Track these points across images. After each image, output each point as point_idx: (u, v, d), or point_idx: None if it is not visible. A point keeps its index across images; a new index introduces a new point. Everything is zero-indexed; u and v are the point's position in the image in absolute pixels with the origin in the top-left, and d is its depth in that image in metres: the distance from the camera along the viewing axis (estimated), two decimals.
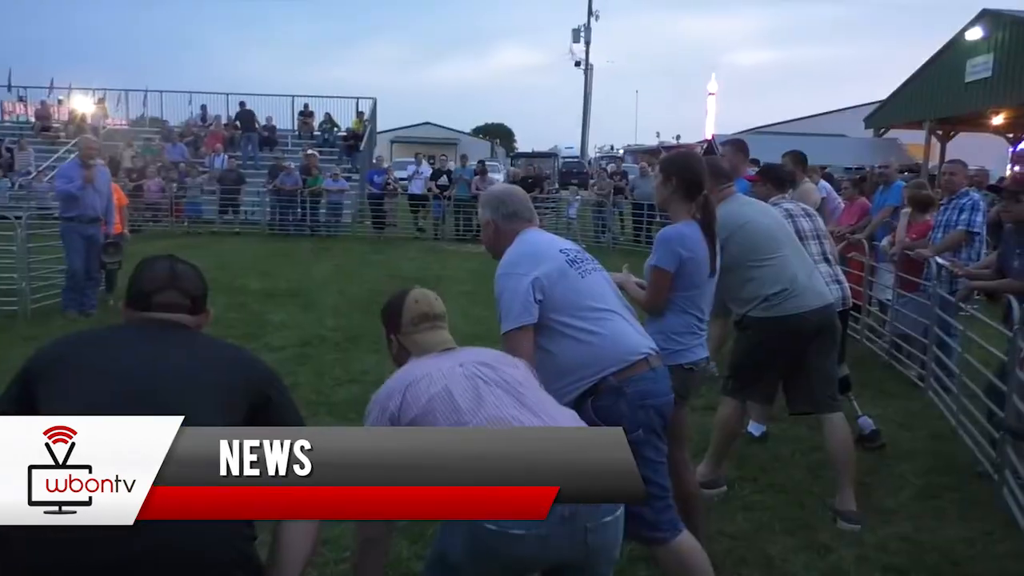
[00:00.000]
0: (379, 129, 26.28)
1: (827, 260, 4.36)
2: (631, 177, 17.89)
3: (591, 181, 20.01)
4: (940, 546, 3.43)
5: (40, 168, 18.66)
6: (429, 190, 17.28)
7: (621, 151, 50.18)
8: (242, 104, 21.39)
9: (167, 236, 15.97)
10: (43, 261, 8.18)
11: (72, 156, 8.35)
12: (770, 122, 44.31)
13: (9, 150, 19.35)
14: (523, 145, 60.08)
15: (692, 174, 3.08)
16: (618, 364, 2.54)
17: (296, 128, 22.81)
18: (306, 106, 22.83)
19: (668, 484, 2.66)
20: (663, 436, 2.64)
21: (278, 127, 22.32)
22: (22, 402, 1.85)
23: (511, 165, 29.52)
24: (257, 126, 21.10)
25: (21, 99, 24.08)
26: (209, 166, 18.75)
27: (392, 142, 47.20)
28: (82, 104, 23.47)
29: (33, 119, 22.73)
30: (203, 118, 22.37)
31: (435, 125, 55.86)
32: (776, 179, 4.56)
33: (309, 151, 18.72)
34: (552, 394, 2.31)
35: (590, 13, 36.83)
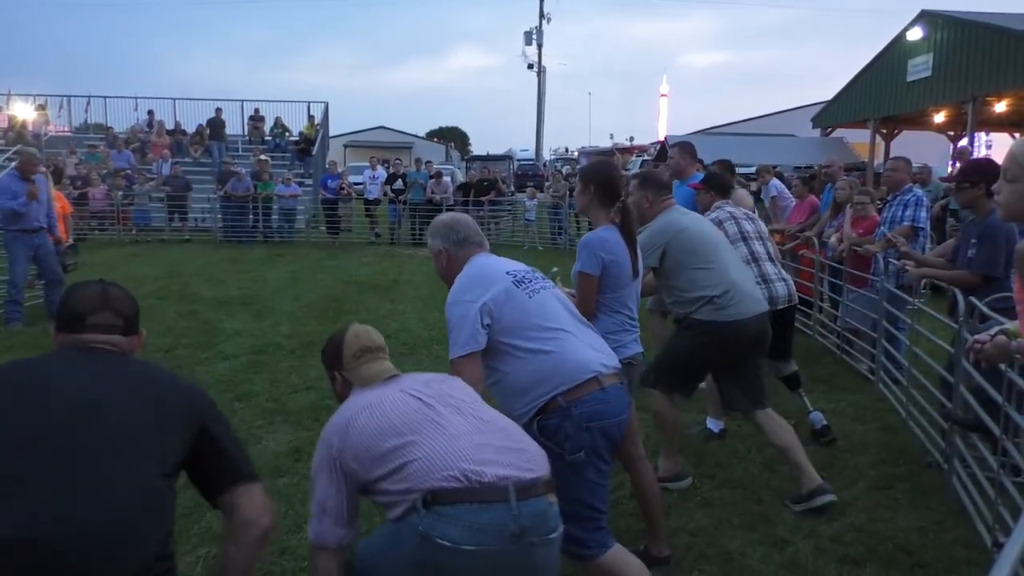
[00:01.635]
0: (332, 133, 25.98)
1: (771, 260, 4.56)
2: None
3: (547, 183, 20.06)
4: (894, 536, 3.51)
5: None
6: (385, 194, 17.16)
7: (576, 153, 50.50)
8: (218, 111, 21.04)
9: (114, 244, 15.60)
10: None
11: (9, 167, 8.14)
12: (722, 123, 45.06)
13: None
14: (478, 148, 60.02)
15: (609, 182, 3.23)
16: (567, 384, 2.55)
17: (246, 133, 22.49)
18: (256, 111, 22.52)
19: (604, 506, 2.66)
20: (608, 458, 2.65)
21: (228, 132, 21.98)
22: None
23: (466, 168, 29.48)
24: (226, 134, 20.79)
25: None
26: (157, 172, 18.37)
27: (345, 146, 46.81)
28: (22, 111, 22.81)
29: None
30: (149, 124, 21.91)
31: (389, 129, 55.58)
32: (719, 186, 4.82)
33: (261, 156, 18.47)
34: (513, 419, 2.37)
35: (542, 16, 36.97)
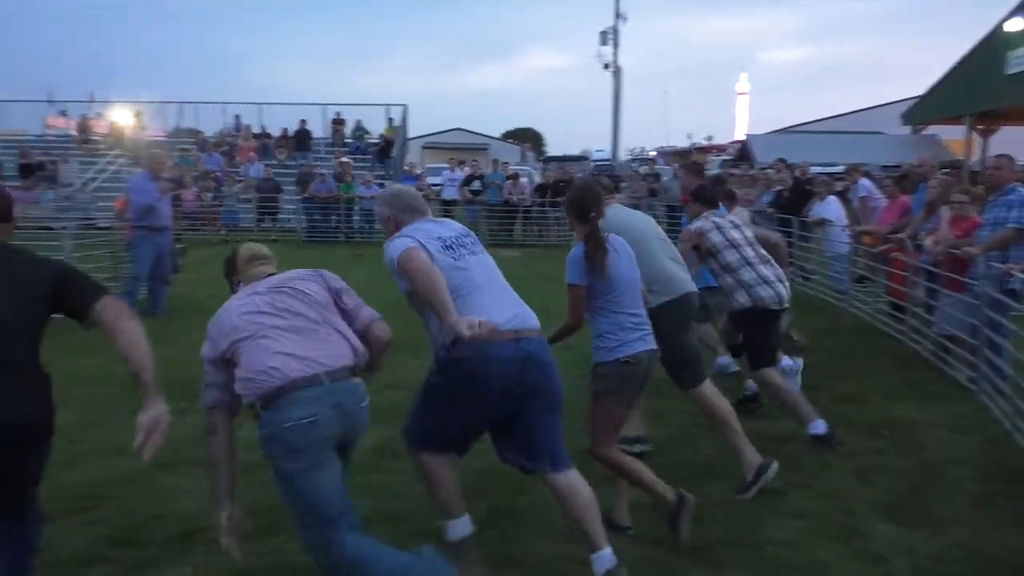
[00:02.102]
0: (410, 135, 26.42)
1: (764, 262, 4.80)
2: (664, 179, 17.77)
3: (623, 184, 19.89)
4: (997, 554, 3.33)
5: (83, 180, 19.04)
6: (462, 195, 17.32)
7: (653, 153, 49.90)
8: (303, 122, 21.73)
9: (205, 244, 16.18)
10: (88, 271, 8.33)
11: (139, 170, 8.62)
12: (805, 120, 43.75)
13: (53, 163, 19.77)
14: (553, 149, 59.98)
15: (578, 200, 3.57)
16: (474, 354, 2.95)
17: (329, 136, 23.04)
18: (338, 114, 23.06)
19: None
20: (477, 399, 3.05)
21: (312, 135, 22.59)
22: None
23: (543, 169, 29.49)
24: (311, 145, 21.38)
25: (63, 114, 24.63)
26: (244, 175, 19.00)
27: (423, 148, 47.43)
28: (121, 117, 23.95)
29: (75, 133, 23.22)
30: (236, 128, 22.69)
31: (465, 131, 56.04)
32: (705, 199, 5.13)
33: (343, 158, 18.89)
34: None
35: (618, 15, 36.64)
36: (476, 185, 17.32)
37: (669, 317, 3.92)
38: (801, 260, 10.55)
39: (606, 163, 37.50)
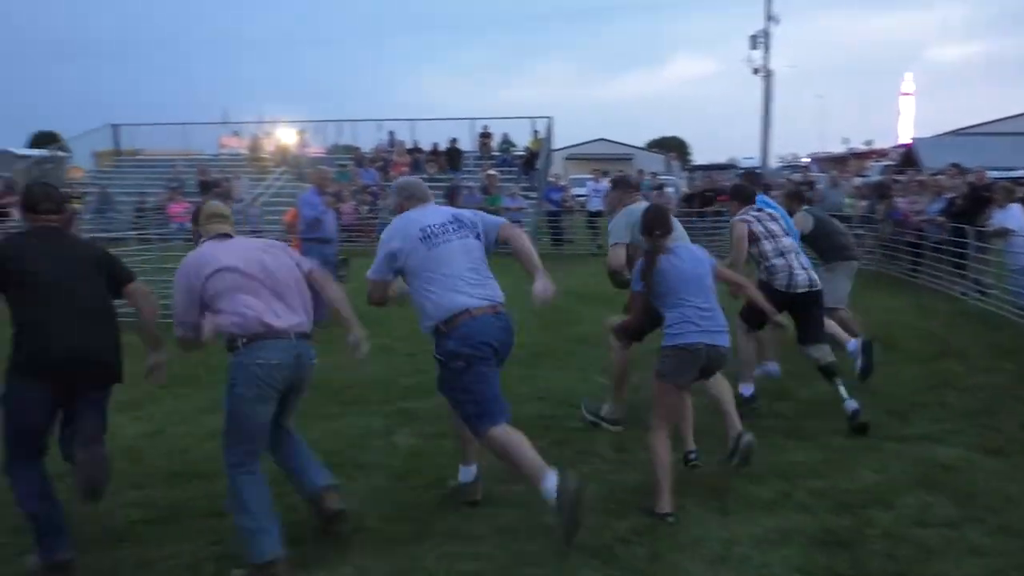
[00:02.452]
0: (555, 147, 26.60)
1: (798, 252, 5.49)
2: (819, 187, 16.93)
3: (773, 192, 19.13)
4: None
5: (253, 196, 20.50)
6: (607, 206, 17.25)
7: (806, 159, 47.72)
8: (453, 141, 22.50)
9: (362, 255, 17.01)
10: None
11: (304, 186, 9.20)
12: (977, 122, 40.43)
13: (227, 180, 21.42)
14: (699, 158, 58.61)
15: (647, 224, 4.17)
16: (443, 316, 3.59)
17: (476, 149, 23.61)
18: (485, 128, 23.58)
19: (487, 396, 3.62)
20: (489, 360, 3.65)
21: (460, 149, 23.22)
22: None
23: (689, 178, 28.89)
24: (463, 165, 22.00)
25: (235, 134, 26.64)
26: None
27: (567, 159, 47.64)
28: (286, 136, 25.62)
29: (245, 151, 25.06)
30: (391, 143, 23.67)
31: (609, 141, 55.80)
32: (742, 196, 5.84)
33: (489, 171, 19.29)
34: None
35: (768, 18, 35.36)
36: None
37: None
38: (977, 273, 9.75)
39: (755, 171, 36.21)
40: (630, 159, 49.43)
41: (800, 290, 5.27)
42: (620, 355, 5.16)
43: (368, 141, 24.84)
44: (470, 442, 3.89)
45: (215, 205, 3.83)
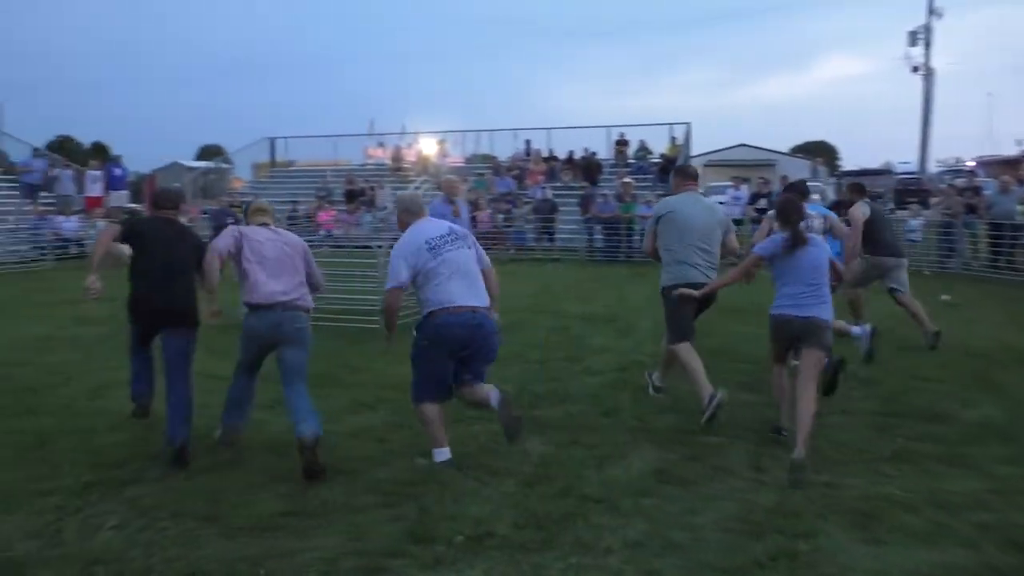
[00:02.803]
0: (693, 153, 26.03)
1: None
2: (987, 193, 15.65)
3: (933, 199, 17.87)
4: None
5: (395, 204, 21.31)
6: (746, 214, 16.70)
7: (971, 163, 44.30)
8: (594, 154, 22.60)
9: (496, 262, 17.21)
10: None
11: (439, 194, 9.45)
12: None
13: (372, 189, 22.37)
14: (849, 163, 55.65)
15: (782, 213, 4.99)
16: (434, 306, 4.44)
17: (612, 156, 23.49)
18: (622, 135, 23.44)
19: (431, 377, 4.53)
20: (448, 351, 4.46)
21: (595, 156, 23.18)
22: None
23: (837, 185, 27.46)
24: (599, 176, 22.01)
25: (380, 144, 27.78)
26: (532, 197, 19.98)
27: (705, 166, 46.45)
28: (426, 146, 26.46)
29: (389, 161, 26.08)
30: (527, 152, 23.94)
31: (750, 147, 53.98)
32: (800, 193, 6.74)
33: (624, 179, 19.13)
34: None
35: (931, 12, 33.12)
36: (762, 203, 16.60)
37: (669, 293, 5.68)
38: None
39: (911, 176, 34.03)
40: (773, 165, 47.52)
41: None
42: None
43: (506, 150, 25.29)
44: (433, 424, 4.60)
45: (260, 202, 5.19)
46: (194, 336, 4.90)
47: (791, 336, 4.85)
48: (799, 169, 41.92)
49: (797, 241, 4.82)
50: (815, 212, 6.71)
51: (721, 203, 17.91)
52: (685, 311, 5.63)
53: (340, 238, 19.32)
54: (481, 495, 4.08)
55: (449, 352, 4.45)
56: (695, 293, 5.51)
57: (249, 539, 3.59)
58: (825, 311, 4.79)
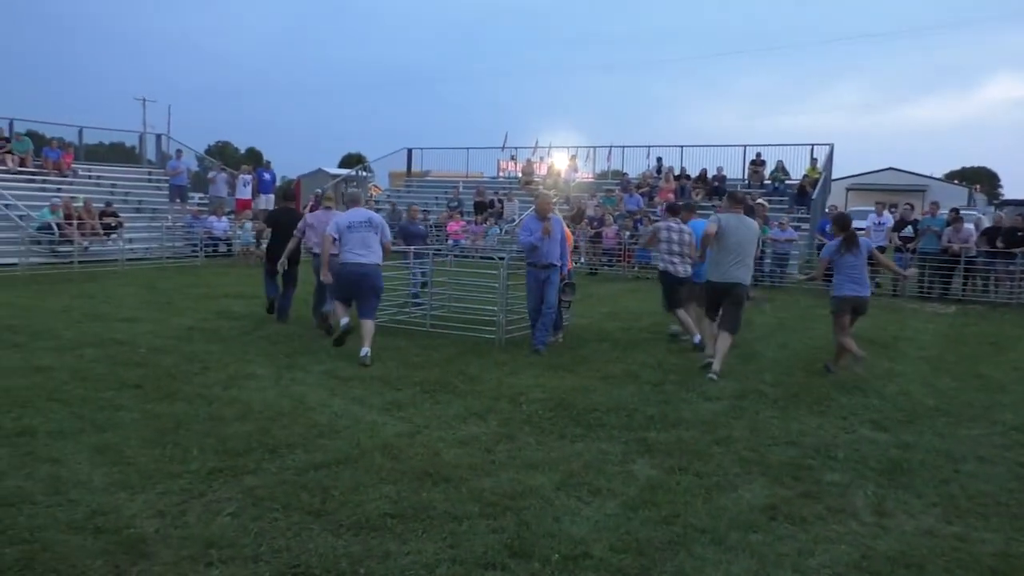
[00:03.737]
0: (835, 176, 24.89)
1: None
2: None
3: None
4: None
5: (522, 217, 21.52)
6: (890, 241, 15.77)
7: None
8: (719, 169, 22.26)
9: (619, 279, 17.11)
10: (519, 297, 9.33)
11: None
12: None
13: (500, 201, 22.72)
14: (1011, 191, 51.57)
15: (839, 223, 7.84)
16: (341, 260, 7.74)
17: (746, 177, 22.80)
18: (758, 155, 22.71)
19: (334, 296, 8.30)
20: (344, 291, 7.80)
21: (728, 176, 22.57)
22: None
23: (994, 214, 25.47)
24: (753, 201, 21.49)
25: (512, 158, 28.20)
26: (660, 215, 19.66)
27: (848, 189, 44.41)
28: (557, 161, 26.64)
29: (519, 174, 26.42)
30: (658, 170, 23.60)
31: (899, 171, 51.10)
32: (673, 211, 9.33)
33: (758, 200, 18.50)
34: None
35: None
36: (908, 231, 15.62)
37: (705, 287, 7.96)
38: None
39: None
40: (923, 191, 44.85)
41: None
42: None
43: (637, 167, 25.08)
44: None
45: (327, 192, 8.46)
46: (291, 271, 9.58)
47: (853, 309, 7.69)
48: (953, 196, 39.30)
49: (851, 244, 7.61)
50: (688, 228, 8.83)
51: (860, 229, 17.03)
52: (710, 297, 7.85)
53: (467, 249, 19.73)
54: (582, 515, 4.03)
55: (346, 284, 7.74)
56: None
57: (352, 537, 3.69)
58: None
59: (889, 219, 16.41)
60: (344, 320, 7.73)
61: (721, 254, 7.46)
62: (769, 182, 22.06)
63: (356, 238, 7.65)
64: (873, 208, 17.15)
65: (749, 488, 4.49)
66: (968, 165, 64.96)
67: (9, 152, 19.77)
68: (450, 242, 19.91)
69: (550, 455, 4.92)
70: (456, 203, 22.98)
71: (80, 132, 22.62)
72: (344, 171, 38.80)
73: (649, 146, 25.00)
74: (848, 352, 7.52)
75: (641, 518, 4.00)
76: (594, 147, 26.53)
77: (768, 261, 16.92)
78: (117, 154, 25.45)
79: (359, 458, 4.72)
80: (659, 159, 24.12)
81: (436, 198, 24.76)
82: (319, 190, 25.31)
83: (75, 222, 16.94)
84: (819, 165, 21.46)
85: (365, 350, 7.39)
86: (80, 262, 15.96)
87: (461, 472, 4.55)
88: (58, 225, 16.72)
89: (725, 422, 5.80)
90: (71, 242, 16.53)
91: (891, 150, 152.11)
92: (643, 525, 3.92)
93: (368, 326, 7.60)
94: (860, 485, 4.60)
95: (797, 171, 21.93)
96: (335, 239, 7.69)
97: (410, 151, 29.10)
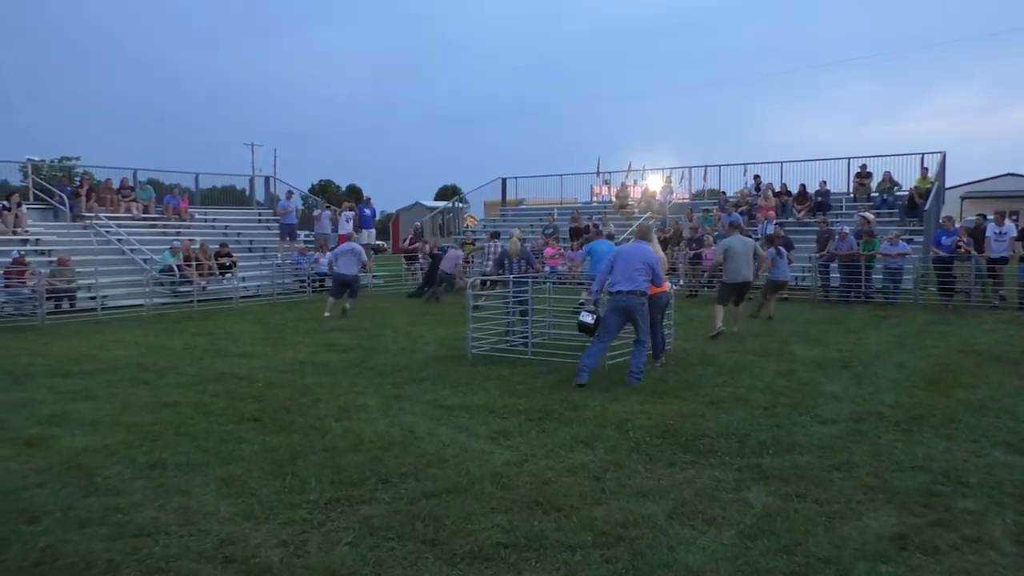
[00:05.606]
0: (948, 184, 23.65)
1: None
2: None
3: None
4: None
5: (619, 240, 21.38)
6: (1014, 251, 14.83)
7: None
8: (822, 183, 21.65)
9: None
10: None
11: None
12: None
13: (596, 226, 22.66)
14: None
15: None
16: (337, 271, 15.14)
17: (851, 191, 21.97)
18: (863, 167, 21.84)
19: None
20: (337, 279, 14.88)
21: (832, 191, 21.80)
22: None
23: None
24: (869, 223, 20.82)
25: (606, 183, 28.14)
26: (761, 233, 19.14)
27: (964, 198, 42.06)
28: (653, 182, 26.40)
29: (614, 199, 26.31)
30: (756, 187, 23.04)
31: (1020, 176, 48.05)
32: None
33: (863, 213, 17.79)
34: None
35: None
36: None
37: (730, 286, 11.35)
38: None
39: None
40: None
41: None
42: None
43: (735, 185, 24.57)
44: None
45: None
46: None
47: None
48: None
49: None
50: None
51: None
52: (729, 292, 11.41)
53: (564, 276, 19.73)
54: (697, 544, 3.93)
55: (339, 281, 14.27)
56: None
57: (467, 567, 3.72)
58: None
59: (1012, 228, 15.44)
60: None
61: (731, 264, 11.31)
62: (876, 194, 21.16)
63: (342, 259, 14.46)
64: (992, 217, 16.16)
65: (875, 516, 4.28)
66: None
67: (134, 200, 21.20)
68: (547, 269, 19.98)
69: (660, 483, 4.83)
70: (551, 229, 23.07)
71: (196, 178, 24.02)
72: (441, 203, 39.62)
73: (746, 163, 24.44)
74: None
75: (760, 548, 3.87)
76: (689, 167, 26.18)
77: (879, 277, 16.19)
78: (229, 197, 26.93)
79: (469, 487, 4.76)
80: (756, 176, 23.54)
81: (531, 225, 24.92)
82: (417, 223, 25.95)
83: (193, 263, 17.94)
84: (930, 174, 20.43)
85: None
86: (199, 301, 16.88)
87: (571, 501, 4.53)
88: (178, 267, 17.76)
89: (844, 446, 5.56)
90: (190, 282, 17.51)
91: (1009, 154, 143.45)
92: (762, 555, 3.79)
93: (352, 302, 14.52)
94: (997, 512, 4.31)
95: (907, 182, 20.95)
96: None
97: (504, 180, 29.48)
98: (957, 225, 16.53)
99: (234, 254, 19.54)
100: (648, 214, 23.53)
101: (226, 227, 22.60)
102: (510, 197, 29.45)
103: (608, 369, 8.42)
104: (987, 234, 15.44)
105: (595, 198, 28.26)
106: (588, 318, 8.19)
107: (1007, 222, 15.63)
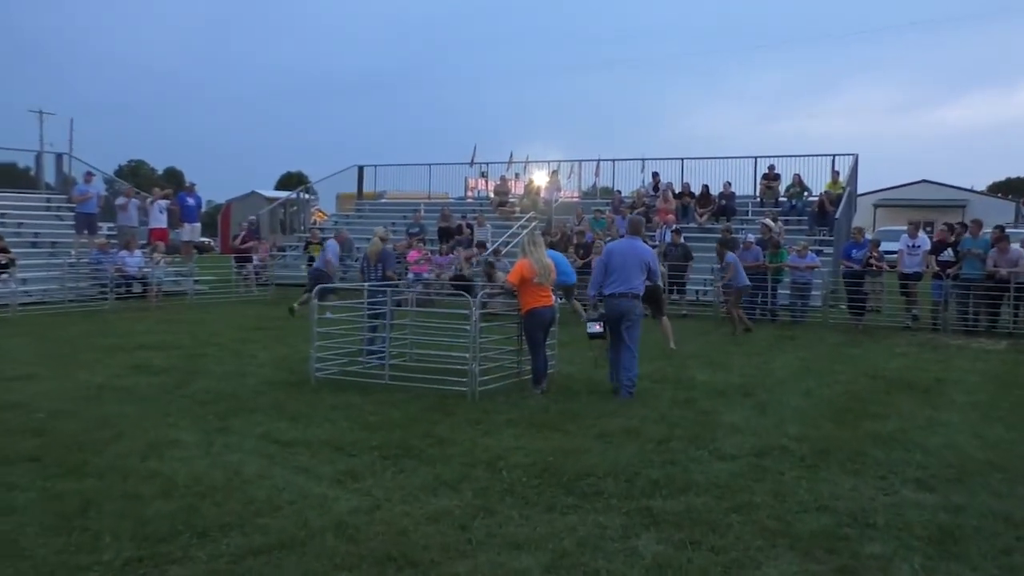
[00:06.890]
0: (860, 190, 25.31)
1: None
2: None
3: None
4: None
5: (495, 243, 21.62)
6: (927, 267, 16.04)
7: None
8: (727, 184, 22.63)
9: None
10: (495, 342, 9.35)
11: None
12: None
13: (470, 226, 22.82)
14: None
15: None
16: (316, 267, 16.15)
17: (758, 194, 23.05)
18: (771, 168, 22.97)
19: None
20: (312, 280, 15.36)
21: (737, 193, 22.78)
22: None
23: None
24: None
25: (483, 175, 28.43)
26: (659, 240, 19.81)
27: (875, 206, 45.21)
28: (538, 177, 26.83)
29: (491, 194, 26.58)
30: (655, 187, 23.79)
31: (934, 183, 52.17)
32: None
33: (766, 220, 18.65)
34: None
35: None
36: (947, 255, 15.91)
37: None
38: None
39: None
40: (963, 206, 45.75)
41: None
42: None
43: (631, 184, 25.27)
44: None
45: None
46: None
47: None
48: (998, 211, 40.08)
49: None
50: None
51: (891, 253, 17.34)
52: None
53: (431, 283, 19.73)
54: None
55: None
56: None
57: None
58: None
59: (926, 241, 16.69)
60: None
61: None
62: (785, 199, 22.31)
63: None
64: (906, 228, 17.42)
65: (775, 564, 4.50)
66: (1015, 175, 66.38)
67: None
68: (410, 276, 19.89)
69: (537, 531, 4.90)
70: (417, 229, 23.03)
71: None
72: (282, 193, 38.84)
73: (644, 159, 25.28)
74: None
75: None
76: (579, 160, 26.81)
77: (787, 292, 17.08)
78: (7, 177, 25.31)
79: (307, 540, 4.67)
80: (655, 174, 24.33)
81: (393, 223, 24.83)
82: (252, 216, 25.26)
83: None
84: (842, 178, 21.71)
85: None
86: None
87: (432, 554, 4.52)
88: None
89: (744, 485, 5.82)
90: None
91: (924, 161, 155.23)
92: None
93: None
94: (905, 557, 4.62)
95: (817, 186, 22.10)
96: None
97: (361, 169, 29.21)
98: (868, 236, 17.70)
99: (11, 249, 18.36)
100: (531, 214, 23.90)
101: (2, 215, 21.23)
102: (368, 189, 29.21)
103: (480, 397, 8.47)
104: (899, 247, 16.62)
105: (470, 193, 28.51)
106: (597, 327, 9.08)
107: (921, 234, 16.90)
